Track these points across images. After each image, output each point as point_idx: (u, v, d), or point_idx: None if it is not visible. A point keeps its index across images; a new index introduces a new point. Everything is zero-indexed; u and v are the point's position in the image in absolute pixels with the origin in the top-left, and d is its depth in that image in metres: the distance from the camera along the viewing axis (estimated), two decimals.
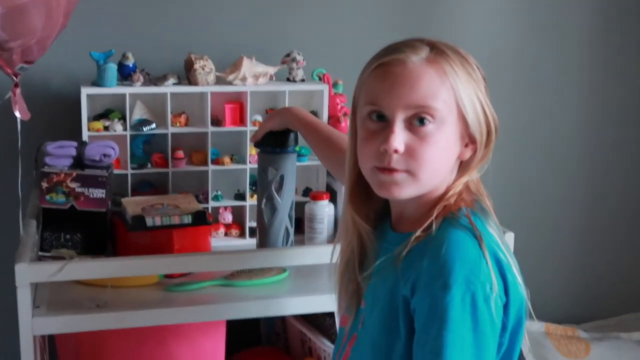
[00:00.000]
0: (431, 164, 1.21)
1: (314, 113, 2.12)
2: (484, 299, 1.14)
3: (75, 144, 1.86)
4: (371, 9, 2.36)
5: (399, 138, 1.19)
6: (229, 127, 2.08)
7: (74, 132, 1.99)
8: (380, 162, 1.21)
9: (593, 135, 2.64)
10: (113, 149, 1.87)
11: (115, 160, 1.96)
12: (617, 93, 2.63)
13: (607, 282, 2.75)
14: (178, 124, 2.06)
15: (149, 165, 2.06)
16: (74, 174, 1.81)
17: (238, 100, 2.09)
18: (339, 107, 2.15)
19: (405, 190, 1.22)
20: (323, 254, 1.58)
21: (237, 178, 2.13)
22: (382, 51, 1.24)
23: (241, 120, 2.09)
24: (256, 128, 2.04)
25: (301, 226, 2.02)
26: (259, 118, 2.08)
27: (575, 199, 2.67)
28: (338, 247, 1.39)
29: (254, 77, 2.06)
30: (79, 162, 1.84)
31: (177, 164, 2.06)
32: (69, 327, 1.61)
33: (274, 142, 1.81)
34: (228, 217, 2.11)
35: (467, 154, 1.26)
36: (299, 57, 2.13)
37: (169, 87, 2.02)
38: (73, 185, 1.81)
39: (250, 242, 2.08)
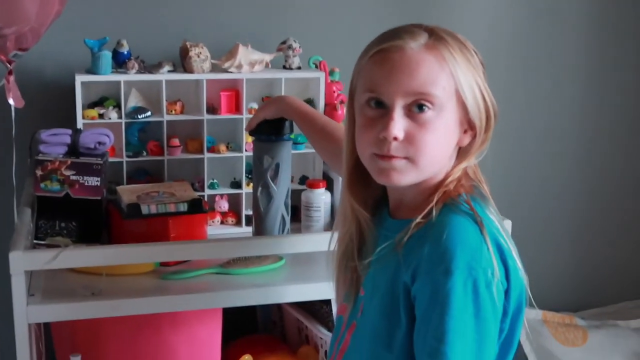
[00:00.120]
0: (431, 151, 1.20)
1: (310, 101, 2.11)
2: (485, 285, 1.14)
3: (69, 131, 1.84)
4: None
5: (399, 125, 1.18)
6: (224, 115, 2.07)
7: (69, 120, 1.98)
8: (379, 149, 1.20)
9: (591, 121, 2.63)
10: (108, 136, 1.86)
11: (111, 148, 1.94)
12: (615, 79, 2.62)
13: (604, 269, 2.75)
14: (173, 111, 2.05)
15: (145, 153, 2.05)
16: (69, 162, 1.79)
17: (234, 88, 2.08)
18: (335, 94, 2.13)
19: (404, 177, 1.21)
20: (320, 242, 1.57)
21: (233, 166, 2.12)
22: (380, 37, 1.23)
23: (237, 108, 2.08)
24: (252, 116, 2.04)
25: (298, 214, 2.02)
26: (255, 106, 2.07)
27: (573, 187, 2.67)
28: (336, 235, 1.38)
29: (250, 65, 2.05)
30: (73, 149, 1.83)
31: (172, 152, 2.05)
32: (64, 315, 1.61)
33: (269, 130, 1.80)
34: (224, 205, 2.10)
35: (466, 140, 1.25)
36: (295, 45, 2.12)
37: (164, 75, 2.01)
38: (68, 173, 1.80)
39: (247, 230, 2.07)
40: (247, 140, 2.07)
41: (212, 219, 2.07)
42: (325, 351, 1.85)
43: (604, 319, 2.59)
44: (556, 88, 2.58)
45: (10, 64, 1.80)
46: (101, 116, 2.00)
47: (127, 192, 1.88)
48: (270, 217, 1.85)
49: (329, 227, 1.98)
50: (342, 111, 2.10)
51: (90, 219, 1.83)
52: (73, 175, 1.80)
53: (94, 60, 1.97)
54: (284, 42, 2.13)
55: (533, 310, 2.49)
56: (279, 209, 1.85)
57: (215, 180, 2.11)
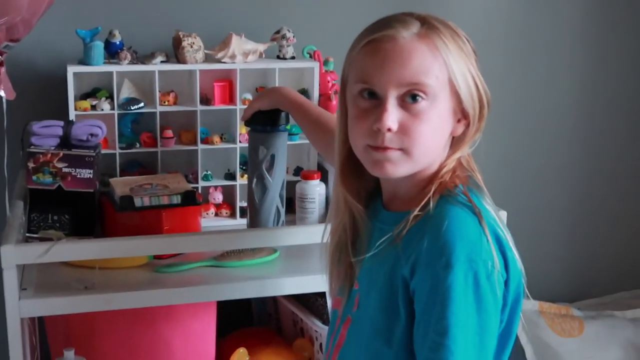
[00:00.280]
0: (425, 141, 1.19)
1: (305, 91, 2.09)
2: (486, 277, 1.13)
3: (61, 123, 1.83)
4: None
5: (392, 116, 1.17)
6: (218, 106, 2.05)
7: (61, 112, 1.96)
8: (373, 140, 1.19)
9: (586, 110, 2.62)
10: (100, 128, 1.84)
11: (103, 139, 1.93)
12: (611, 69, 2.61)
13: (601, 260, 2.74)
14: (166, 102, 2.03)
15: (138, 144, 2.03)
16: (61, 154, 1.78)
17: (227, 79, 2.06)
18: (330, 84, 2.12)
19: (399, 168, 1.20)
20: (314, 234, 1.56)
21: (227, 157, 2.10)
22: (372, 27, 1.21)
23: (231, 99, 2.07)
24: (246, 106, 2.02)
25: (292, 206, 2.01)
26: (249, 96, 2.06)
27: (569, 177, 2.66)
28: (329, 227, 1.37)
29: (244, 55, 2.03)
30: (65, 141, 1.82)
31: (166, 143, 2.03)
32: (57, 309, 1.59)
33: (265, 121, 1.78)
34: (218, 197, 2.09)
35: (460, 129, 1.24)
36: (289, 34, 2.10)
37: (157, 65, 1.99)
38: (60, 165, 1.78)
39: (241, 222, 2.06)
40: (241, 131, 2.05)
41: (206, 210, 2.06)
42: (321, 344, 1.84)
43: (600, 310, 2.59)
44: (551, 77, 2.56)
45: (1, 55, 1.77)
46: (93, 107, 1.98)
47: (120, 185, 1.87)
48: (265, 209, 1.83)
49: (323, 218, 1.97)
50: (337, 101, 2.08)
51: (83, 211, 1.81)
52: (65, 167, 1.78)
53: (86, 50, 1.95)
54: (277, 32, 2.11)
55: (529, 301, 2.48)
56: (274, 200, 1.84)
57: (209, 172, 2.09)
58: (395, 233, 1.20)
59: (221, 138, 2.07)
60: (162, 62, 2.00)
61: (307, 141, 2.05)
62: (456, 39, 1.20)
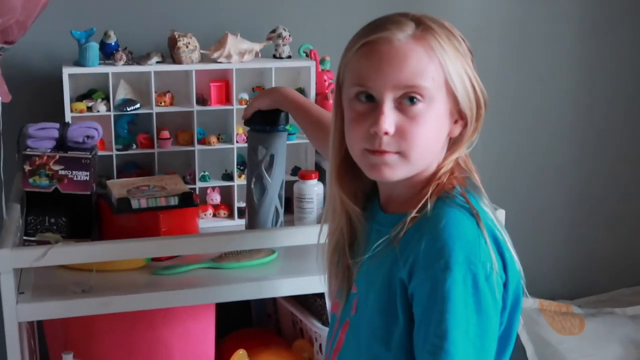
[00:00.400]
0: (422, 144, 1.18)
1: (301, 90, 2.09)
2: (485, 279, 1.12)
3: (57, 125, 1.82)
4: None
5: (389, 119, 1.16)
6: (214, 106, 2.04)
7: (57, 114, 1.95)
8: (370, 144, 1.18)
9: (584, 107, 2.61)
10: (96, 130, 1.84)
11: (100, 141, 1.92)
12: (609, 67, 2.60)
13: (600, 257, 2.74)
14: (163, 103, 2.02)
15: (134, 146, 2.02)
16: (57, 156, 1.77)
17: (223, 78, 2.06)
18: (326, 83, 2.11)
19: (397, 171, 1.19)
20: (313, 235, 1.54)
21: (225, 158, 2.09)
22: (366, 28, 1.20)
23: (227, 99, 2.06)
24: (243, 106, 2.01)
25: (290, 206, 2.00)
26: (246, 96, 2.05)
27: (567, 174, 2.65)
28: (325, 228, 1.36)
29: (240, 54, 2.02)
30: (61, 144, 1.81)
31: (162, 144, 2.02)
32: (54, 313, 1.58)
33: (264, 121, 1.77)
34: (216, 198, 2.08)
35: (457, 130, 1.23)
36: (285, 33, 2.09)
37: (153, 66, 1.98)
38: (56, 167, 1.77)
39: (239, 222, 2.05)
40: (239, 131, 2.05)
41: (204, 211, 2.05)
42: (321, 345, 1.84)
43: (600, 307, 2.59)
44: (550, 76, 2.56)
45: None
46: (89, 109, 1.97)
47: (117, 186, 1.86)
48: (263, 210, 1.82)
49: (321, 218, 1.95)
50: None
51: (80, 214, 1.81)
52: (62, 170, 1.77)
53: (81, 52, 1.94)
54: (273, 31, 2.10)
55: (529, 299, 2.48)
56: (273, 201, 1.82)
57: (206, 173, 2.08)
58: (393, 235, 1.19)
59: (218, 138, 2.06)
60: (157, 62, 1.99)
61: (304, 141, 2.05)
62: (452, 39, 1.19)
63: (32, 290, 1.60)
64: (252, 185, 1.82)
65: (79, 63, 1.95)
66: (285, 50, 2.10)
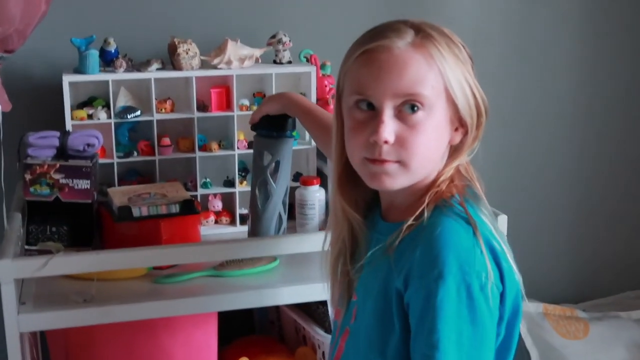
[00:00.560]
0: (422, 153, 1.17)
1: (302, 95, 2.07)
2: (480, 289, 1.11)
3: (58, 134, 1.81)
4: None
5: (389, 128, 1.15)
6: (215, 113, 2.04)
7: (58, 121, 1.95)
8: (370, 153, 1.17)
9: (584, 108, 2.60)
10: (97, 138, 1.83)
11: (101, 149, 1.92)
12: (608, 68, 2.59)
13: (604, 260, 2.73)
14: (163, 110, 2.02)
15: (135, 153, 2.02)
16: (58, 165, 1.77)
17: (224, 85, 2.05)
18: (327, 89, 2.10)
19: (397, 180, 1.18)
20: (315, 243, 1.54)
21: (226, 164, 2.09)
22: (366, 36, 1.19)
23: (228, 105, 2.05)
24: (243, 112, 2.01)
25: (292, 212, 1.99)
26: (246, 102, 2.04)
27: (569, 177, 2.64)
28: (329, 236, 1.35)
29: (240, 60, 2.02)
30: (62, 152, 1.80)
31: (163, 151, 2.02)
32: (56, 323, 1.58)
33: (271, 126, 1.76)
34: (218, 205, 2.07)
35: (458, 138, 1.22)
36: (285, 39, 2.08)
37: (153, 73, 1.98)
38: (57, 176, 1.77)
39: (241, 229, 2.04)
40: (240, 137, 2.04)
41: (205, 218, 2.04)
42: (323, 352, 1.83)
43: (605, 311, 2.57)
44: (549, 76, 2.55)
45: None
46: (90, 117, 1.97)
47: (118, 194, 1.85)
48: (267, 216, 1.81)
49: (323, 225, 1.95)
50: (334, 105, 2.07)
51: (81, 222, 1.80)
52: (62, 178, 1.77)
53: (81, 59, 1.94)
54: (273, 36, 2.09)
55: (534, 304, 2.47)
56: (277, 207, 1.81)
57: (207, 180, 2.08)
58: (388, 243, 1.18)
59: (219, 145, 2.06)
60: (157, 69, 1.99)
61: (306, 147, 2.05)
62: (451, 46, 1.18)
63: (33, 300, 1.60)
64: (257, 191, 1.80)
65: (79, 70, 1.95)
66: (286, 56, 2.09)
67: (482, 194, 1.24)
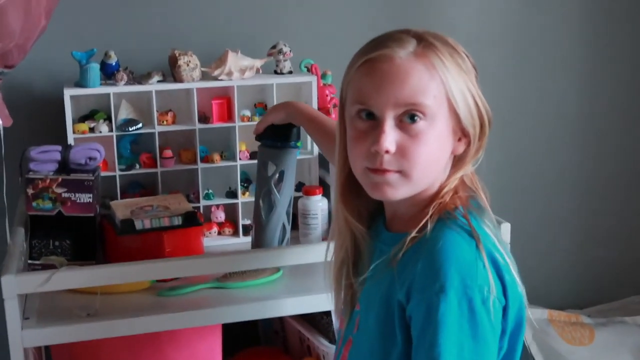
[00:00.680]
0: (424, 163, 1.17)
1: (306, 104, 2.08)
2: (482, 302, 1.10)
3: (59, 148, 1.82)
4: None
5: (390, 138, 1.15)
6: (217, 124, 2.04)
7: (59, 135, 1.95)
8: (371, 162, 1.17)
9: (584, 110, 2.60)
10: (98, 151, 1.83)
11: (103, 161, 1.92)
12: (609, 71, 2.58)
13: (608, 265, 2.72)
14: (165, 122, 2.02)
15: (137, 165, 2.02)
16: (60, 179, 1.77)
17: (225, 96, 2.05)
18: (328, 98, 2.10)
19: (398, 191, 1.18)
20: (319, 253, 1.54)
21: (228, 175, 2.09)
22: (368, 46, 1.19)
23: (229, 116, 2.05)
24: (245, 123, 2.01)
25: (295, 222, 1.98)
26: (248, 113, 2.04)
27: (573, 183, 2.63)
28: (332, 246, 1.35)
29: (240, 71, 2.02)
30: (64, 166, 1.80)
31: (165, 163, 2.02)
32: (60, 338, 1.57)
33: (276, 136, 1.75)
34: (220, 216, 2.07)
35: (461, 148, 1.22)
36: (286, 49, 2.08)
37: (154, 85, 1.98)
38: (59, 190, 1.77)
39: (244, 240, 2.04)
40: (241, 148, 2.04)
41: (208, 230, 2.04)
42: None
43: (610, 316, 2.57)
44: (549, 80, 2.54)
45: None
46: (92, 130, 1.97)
47: (121, 207, 1.85)
48: (271, 226, 1.80)
49: (327, 234, 1.95)
50: (336, 114, 2.06)
51: (84, 236, 1.80)
52: (65, 192, 1.77)
53: (82, 73, 1.94)
54: (274, 47, 2.09)
55: (538, 310, 2.46)
56: (281, 218, 1.80)
57: (210, 191, 2.07)
58: (391, 256, 1.18)
59: (221, 156, 2.06)
60: (158, 81, 1.99)
61: (308, 156, 2.05)
62: (454, 56, 1.18)
63: (37, 315, 1.59)
64: (260, 202, 1.80)
65: (80, 84, 1.95)
66: (286, 66, 2.09)
67: (487, 204, 1.24)
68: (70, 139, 1.93)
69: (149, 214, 1.81)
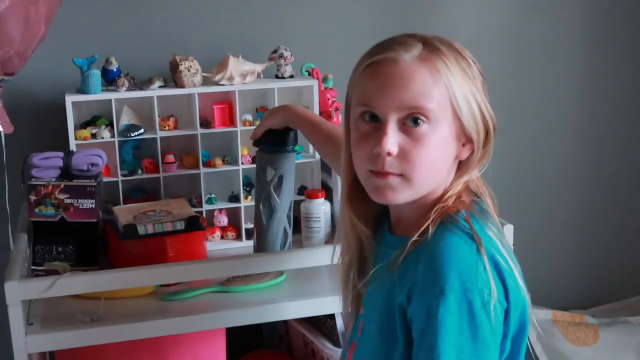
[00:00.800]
0: (426, 167, 1.16)
1: (304, 108, 2.08)
2: (482, 306, 1.10)
3: (61, 154, 1.82)
4: None
5: (392, 140, 1.15)
6: (218, 128, 2.04)
7: (61, 141, 1.95)
8: (374, 165, 1.17)
9: (586, 111, 2.60)
10: (100, 157, 1.83)
11: (105, 167, 1.92)
12: (610, 72, 2.59)
13: (612, 265, 2.71)
14: (167, 127, 2.02)
15: (140, 171, 2.02)
16: (62, 185, 1.77)
17: (226, 100, 2.05)
18: (329, 102, 2.10)
19: (400, 194, 1.18)
20: (321, 257, 1.54)
21: (230, 180, 2.09)
22: (373, 49, 1.20)
23: (231, 121, 2.05)
24: (247, 128, 2.01)
25: (297, 225, 1.99)
26: (249, 117, 2.04)
27: (574, 183, 2.63)
28: (338, 248, 1.35)
29: (242, 76, 2.02)
30: (66, 172, 1.81)
31: (168, 168, 2.02)
32: (64, 343, 1.58)
33: (273, 141, 1.75)
34: (223, 220, 2.07)
35: (465, 153, 1.21)
36: (287, 53, 2.08)
37: (155, 91, 1.98)
38: (62, 196, 1.77)
39: (247, 244, 2.04)
40: (243, 152, 2.04)
41: (211, 234, 2.04)
42: None
43: (614, 316, 2.56)
44: (551, 82, 2.54)
45: None
46: (94, 136, 1.97)
47: (124, 213, 1.86)
48: (272, 231, 1.80)
49: (329, 237, 1.95)
50: (337, 118, 2.07)
51: (87, 242, 1.80)
52: (67, 198, 1.77)
53: (84, 79, 1.95)
54: (275, 51, 2.09)
55: (542, 311, 2.46)
56: (282, 222, 1.80)
57: (212, 195, 2.08)
58: (393, 259, 1.18)
59: (223, 160, 2.06)
60: (160, 87, 1.99)
61: (310, 160, 2.05)
62: (460, 61, 1.17)
63: (40, 320, 1.60)
64: (261, 206, 1.80)
65: (81, 90, 1.95)
66: (287, 70, 2.09)
67: (493, 209, 1.23)
68: (72, 145, 1.93)
69: (152, 219, 1.81)
